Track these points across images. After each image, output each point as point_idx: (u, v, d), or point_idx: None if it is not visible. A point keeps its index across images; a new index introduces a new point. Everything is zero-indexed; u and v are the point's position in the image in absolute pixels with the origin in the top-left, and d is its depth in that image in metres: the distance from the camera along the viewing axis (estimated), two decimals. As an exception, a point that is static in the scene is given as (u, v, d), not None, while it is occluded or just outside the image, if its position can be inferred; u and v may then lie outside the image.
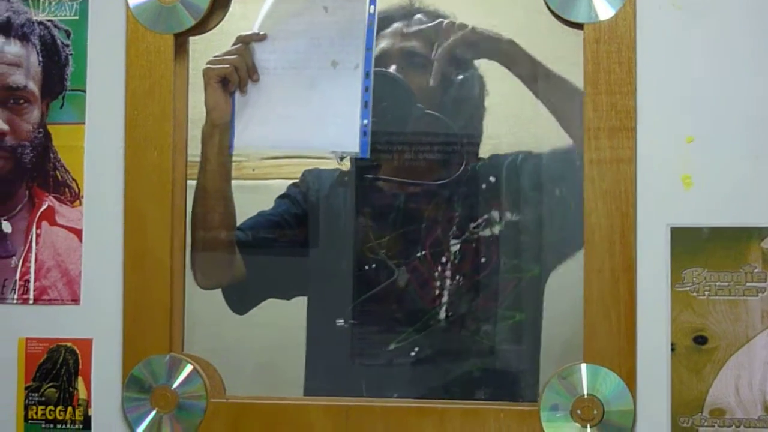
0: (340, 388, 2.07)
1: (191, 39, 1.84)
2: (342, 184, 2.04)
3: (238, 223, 2.15)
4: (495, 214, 2.08)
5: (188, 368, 1.76)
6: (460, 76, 2.10)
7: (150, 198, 1.77)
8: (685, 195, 1.64)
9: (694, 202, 1.64)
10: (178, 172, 1.80)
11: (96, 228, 1.81)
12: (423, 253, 2.09)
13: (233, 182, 2.83)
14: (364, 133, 1.80)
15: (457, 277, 2.08)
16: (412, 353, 2.08)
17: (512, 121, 2.12)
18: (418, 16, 2.13)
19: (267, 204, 2.31)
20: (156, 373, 1.76)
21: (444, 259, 2.08)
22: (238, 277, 2.12)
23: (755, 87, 1.64)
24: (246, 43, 1.86)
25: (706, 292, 1.62)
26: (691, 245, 1.63)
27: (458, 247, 2.08)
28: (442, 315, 2.07)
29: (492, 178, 2.10)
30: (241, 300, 2.17)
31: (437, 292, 2.08)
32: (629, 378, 1.63)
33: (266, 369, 2.47)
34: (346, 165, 2.03)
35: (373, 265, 2.11)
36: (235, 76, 1.86)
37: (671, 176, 1.65)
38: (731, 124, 1.64)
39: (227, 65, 1.86)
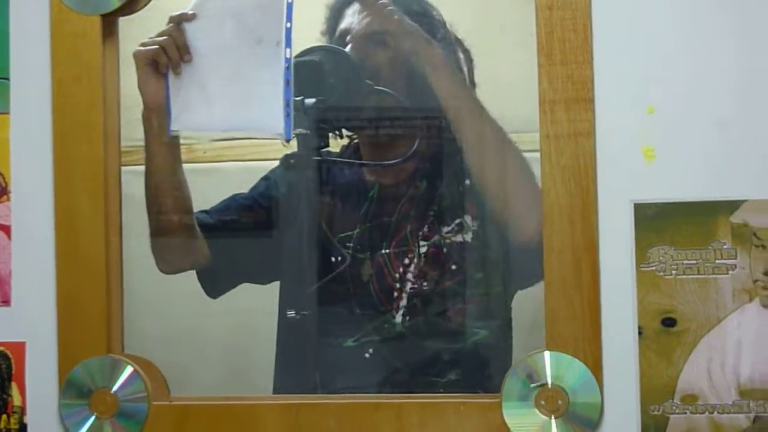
0: (296, 381, 1.99)
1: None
2: (288, 166, 1.94)
3: (209, 206, 2.10)
4: (468, 219, 2.00)
5: (128, 370, 1.66)
6: None
7: (81, 191, 1.67)
8: (647, 168, 1.55)
9: (658, 176, 1.55)
10: (111, 163, 1.70)
11: (25, 224, 1.71)
12: (387, 251, 2.00)
13: (185, 165, 2.76)
14: (287, 114, 1.70)
15: (420, 282, 2.00)
16: (367, 355, 2.01)
17: (514, 97, 1.91)
18: None
19: (220, 187, 2.26)
20: (93, 376, 1.66)
21: (407, 261, 2.00)
22: (202, 262, 2.06)
23: (719, 51, 1.55)
24: (177, 23, 1.78)
25: (674, 271, 1.54)
26: (655, 222, 1.54)
27: (425, 249, 2.00)
28: (398, 319, 2.00)
29: (468, 181, 2.01)
30: (214, 284, 2.11)
31: (396, 294, 2.00)
32: (595, 365, 1.54)
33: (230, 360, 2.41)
34: (292, 146, 1.92)
35: (339, 258, 2.04)
36: (163, 57, 1.78)
37: (633, 149, 1.56)
38: (694, 91, 1.55)
39: (155, 46, 1.78)
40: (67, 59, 1.68)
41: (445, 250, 1.99)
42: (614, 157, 1.56)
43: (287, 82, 1.69)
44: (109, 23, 1.70)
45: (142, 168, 2.79)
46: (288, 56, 1.69)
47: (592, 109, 1.55)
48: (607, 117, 1.56)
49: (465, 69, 2.01)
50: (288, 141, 1.81)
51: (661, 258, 1.54)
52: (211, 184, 2.34)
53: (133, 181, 2.24)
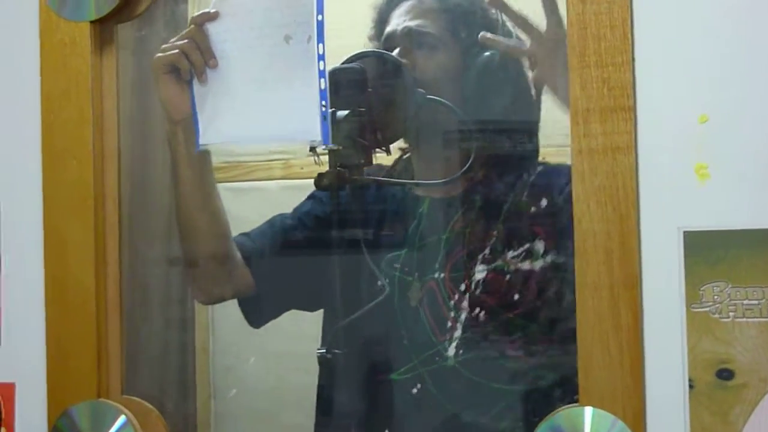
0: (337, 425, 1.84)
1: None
2: (321, 186, 1.74)
3: (249, 228, 1.93)
4: (539, 245, 1.78)
5: (120, 417, 1.49)
6: (486, 54, 1.80)
7: (71, 217, 1.53)
8: (700, 190, 1.32)
9: (712, 199, 1.31)
10: (108, 185, 1.56)
11: (15, 255, 1.58)
12: (442, 275, 1.81)
13: (280, 182, 2.66)
14: (323, 118, 1.53)
15: (477, 311, 1.79)
16: (414, 390, 1.80)
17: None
18: None
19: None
20: (79, 423, 1.50)
21: (463, 287, 1.80)
22: (244, 289, 1.89)
23: (786, 48, 1.30)
24: (198, 24, 1.61)
25: (731, 313, 1.30)
26: (709, 253, 1.30)
27: (484, 275, 1.79)
28: (451, 352, 1.79)
29: (544, 201, 1.80)
30: (257, 312, 1.94)
31: (449, 324, 1.80)
32: (636, 424, 1.31)
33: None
34: (324, 163, 1.72)
35: (387, 280, 1.85)
36: (185, 63, 1.60)
37: (682, 167, 1.32)
38: (757, 96, 1.30)
39: (175, 51, 1.61)
40: (55, 71, 1.54)
41: (508, 277, 1.77)
42: (660, 176, 1.33)
43: (321, 82, 1.52)
44: (104, 30, 1.55)
45: (240, 185, 2.71)
46: (321, 52, 1.52)
47: (633, 119, 1.32)
48: (651, 128, 1.33)
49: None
50: (326, 146, 1.62)
51: (716, 297, 1.30)
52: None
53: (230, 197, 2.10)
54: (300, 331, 2.09)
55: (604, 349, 1.32)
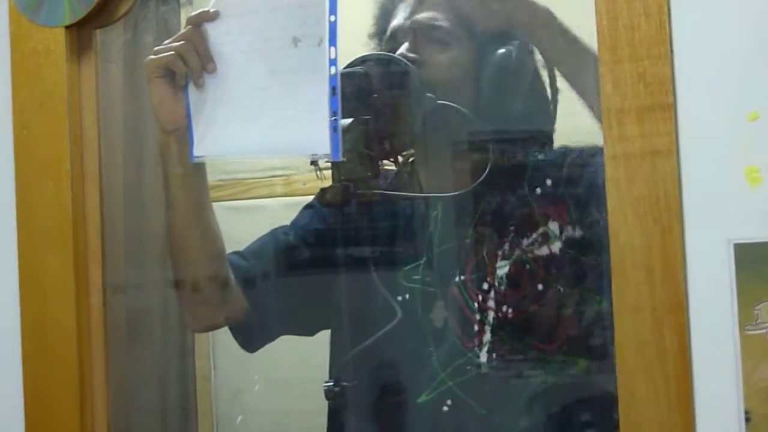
0: None
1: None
2: (324, 202, 1.61)
3: (244, 246, 1.81)
4: (554, 226, 1.66)
5: (105, 466, 1.37)
6: (502, 50, 1.68)
7: (47, 244, 1.42)
8: (751, 196, 1.19)
9: (765, 206, 1.18)
10: (89, 208, 1.44)
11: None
12: (462, 278, 1.68)
13: (281, 200, 2.54)
14: (333, 129, 1.40)
15: (504, 309, 1.66)
16: (445, 408, 1.67)
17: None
18: None
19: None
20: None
21: (486, 286, 1.67)
22: (238, 314, 1.75)
23: None
24: (196, 25, 1.49)
25: (792, 335, 1.17)
26: (764, 268, 1.17)
27: (506, 269, 1.67)
28: (484, 358, 1.66)
29: (549, 181, 1.68)
30: (250, 336, 1.81)
31: (477, 327, 1.67)
32: (687, 464, 1.18)
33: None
34: (327, 177, 1.59)
35: (407, 296, 1.71)
36: (181, 66, 1.48)
37: (730, 171, 1.19)
38: (813, 89, 1.18)
39: (170, 53, 1.48)
40: (29, 82, 1.43)
41: (528, 266, 1.66)
42: (705, 182, 1.20)
43: (333, 90, 1.40)
44: (81, 36, 1.43)
45: (239, 203, 2.60)
46: (333, 57, 1.40)
47: (674, 119, 1.20)
48: (695, 128, 1.20)
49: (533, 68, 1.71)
50: (337, 161, 1.50)
51: (773, 317, 1.18)
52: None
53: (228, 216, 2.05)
54: (304, 358, 2.00)
55: (647, 380, 1.19)
